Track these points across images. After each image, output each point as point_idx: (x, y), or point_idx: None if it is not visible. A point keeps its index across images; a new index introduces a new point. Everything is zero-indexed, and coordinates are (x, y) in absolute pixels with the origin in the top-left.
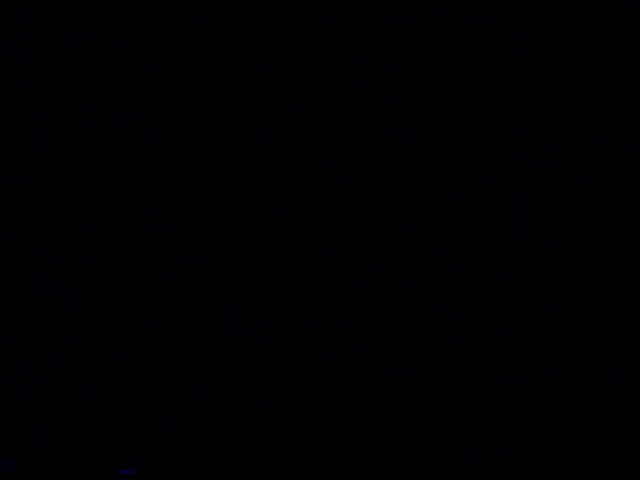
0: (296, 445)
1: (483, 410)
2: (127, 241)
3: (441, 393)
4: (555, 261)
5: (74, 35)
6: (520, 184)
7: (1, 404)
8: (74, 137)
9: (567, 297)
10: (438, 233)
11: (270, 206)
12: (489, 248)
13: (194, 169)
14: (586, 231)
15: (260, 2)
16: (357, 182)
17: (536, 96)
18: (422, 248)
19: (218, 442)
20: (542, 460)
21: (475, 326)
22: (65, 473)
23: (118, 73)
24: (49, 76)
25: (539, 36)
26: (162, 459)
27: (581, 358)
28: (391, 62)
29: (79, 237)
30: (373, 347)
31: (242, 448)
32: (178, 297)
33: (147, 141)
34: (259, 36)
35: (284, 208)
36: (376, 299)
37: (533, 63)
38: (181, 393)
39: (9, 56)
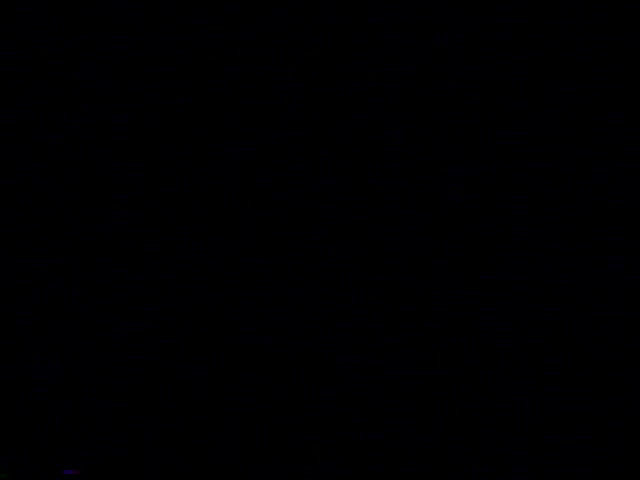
0: (294, 445)
1: (482, 410)
2: (127, 241)
3: (441, 393)
4: (555, 261)
5: (74, 35)
6: (520, 184)
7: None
8: (74, 137)
9: (567, 297)
10: (438, 233)
11: (270, 206)
12: (489, 248)
13: (194, 169)
14: (586, 231)
15: (260, 2)
16: (357, 182)
17: (536, 96)
18: (422, 248)
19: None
20: (542, 461)
21: (475, 326)
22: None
23: (118, 73)
24: (49, 76)
25: (539, 36)
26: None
27: (581, 358)
28: (391, 62)
29: (79, 237)
30: (373, 347)
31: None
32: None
33: (147, 141)
34: (259, 36)
35: (284, 208)
36: (376, 300)
37: (533, 63)
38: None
39: (9, 56)
